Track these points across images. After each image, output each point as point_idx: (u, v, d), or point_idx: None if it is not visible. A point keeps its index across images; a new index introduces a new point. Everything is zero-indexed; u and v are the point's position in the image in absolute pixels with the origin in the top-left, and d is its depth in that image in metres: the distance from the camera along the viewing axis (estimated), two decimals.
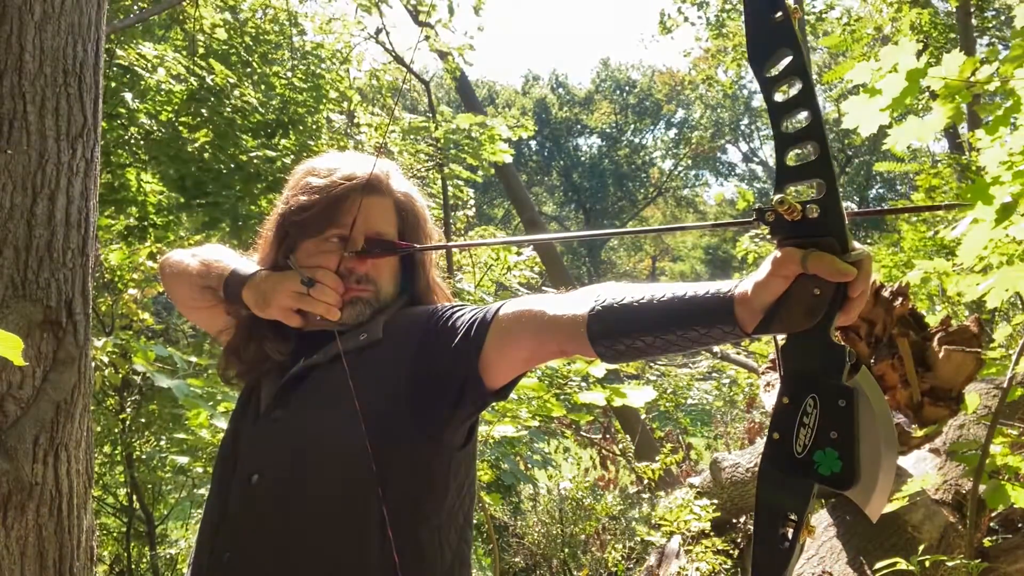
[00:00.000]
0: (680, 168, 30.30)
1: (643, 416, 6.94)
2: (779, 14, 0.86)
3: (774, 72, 0.87)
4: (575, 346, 0.99)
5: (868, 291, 0.82)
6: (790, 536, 0.81)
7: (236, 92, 5.41)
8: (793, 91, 0.85)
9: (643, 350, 0.95)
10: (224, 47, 6.18)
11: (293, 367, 1.23)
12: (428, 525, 1.15)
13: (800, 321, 0.82)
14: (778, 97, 0.86)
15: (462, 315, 1.17)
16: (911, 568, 2.11)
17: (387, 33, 7.52)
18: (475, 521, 1.27)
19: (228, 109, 5.36)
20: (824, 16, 11.34)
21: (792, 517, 0.81)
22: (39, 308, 1.75)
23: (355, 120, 6.75)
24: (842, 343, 0.82)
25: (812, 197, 0.83)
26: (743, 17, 0.90)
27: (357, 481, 1.10)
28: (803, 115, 0.85)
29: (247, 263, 1.34)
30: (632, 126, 30.76)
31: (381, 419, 1.11)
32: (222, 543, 1.16)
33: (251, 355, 1.30)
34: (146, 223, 5.37)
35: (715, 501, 3.58)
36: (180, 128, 5.35)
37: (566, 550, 4.84)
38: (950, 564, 2.19)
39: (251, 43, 6.37)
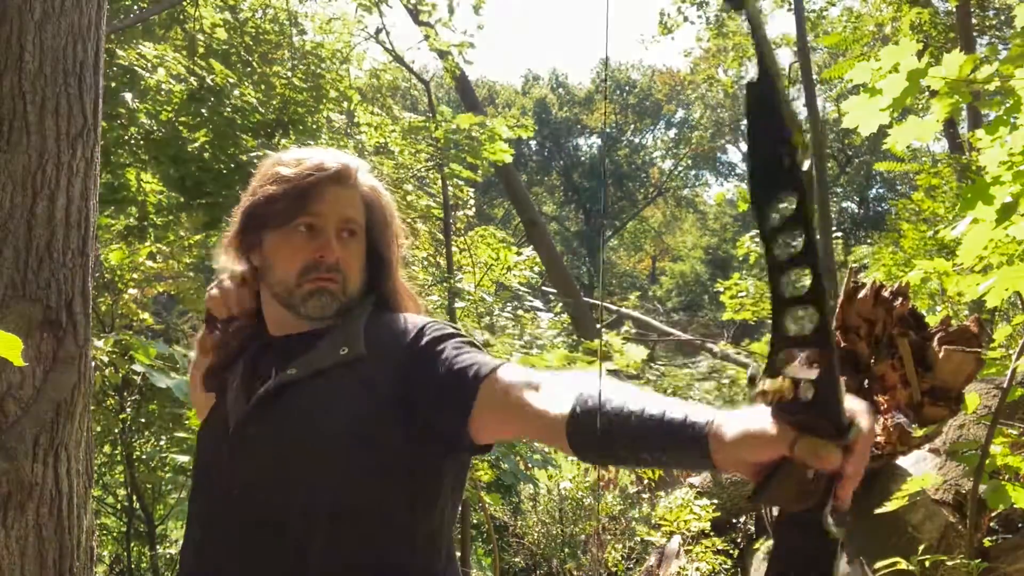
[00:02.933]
0: (680, 168, 30.30)
1: None
2: (787, 160, 0.74)
3: (775, 218, 0.76)
4: (556, 442, 0.99)
5: (863, 468, 0.77)
6: None
7: (236, 92, 5.41)
8: (795, 245, 0.76)
9: (620, 460, 0.96)
10: (224, 47, 6.18)
11: (262, 377, 1.19)
12: (425, 525, 1.14)
13: (791, 502, 0.78)
14: (778, 252, 0.76)
15: (451, 355, 1.10)
16: (911, 568, 2.11)
17: (387, 33, 7.53)
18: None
19: (228, 109, 5.36)
20: (824, 15, 11.34)
21: None
22: (39, 308, 1.75)
23: (355, 120, 6.74)
24: (835, 536, 0.77)
25: (807, 375, 0.79)
26: (747, 148, 0.78)
27: (349, 490, 1.09)
28: (804, 275, 0.76)
29: None
30: (632, 126, 30.75)
31: (367, 437, 1.10)
32: (207, 561, 1.14)
33: (223, 354, 1.30)
34: (146, 223, 5.36)
35: (715, 501, 3.58)
36: (180, 128, 5.35)
37: (566, 550, 4.84)
38: (950, 564, 2.19)
39: (251, 43, 6.36)
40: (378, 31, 7.50)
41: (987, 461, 2.15)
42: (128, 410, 4.06)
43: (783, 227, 0.75)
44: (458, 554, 1.28)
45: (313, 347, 1.18)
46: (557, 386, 1.00)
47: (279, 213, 1.20)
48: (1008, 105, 1.92)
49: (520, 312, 7.17)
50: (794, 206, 0.74)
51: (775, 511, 0.83)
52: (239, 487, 1.12)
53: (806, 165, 0.73)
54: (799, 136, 0.73)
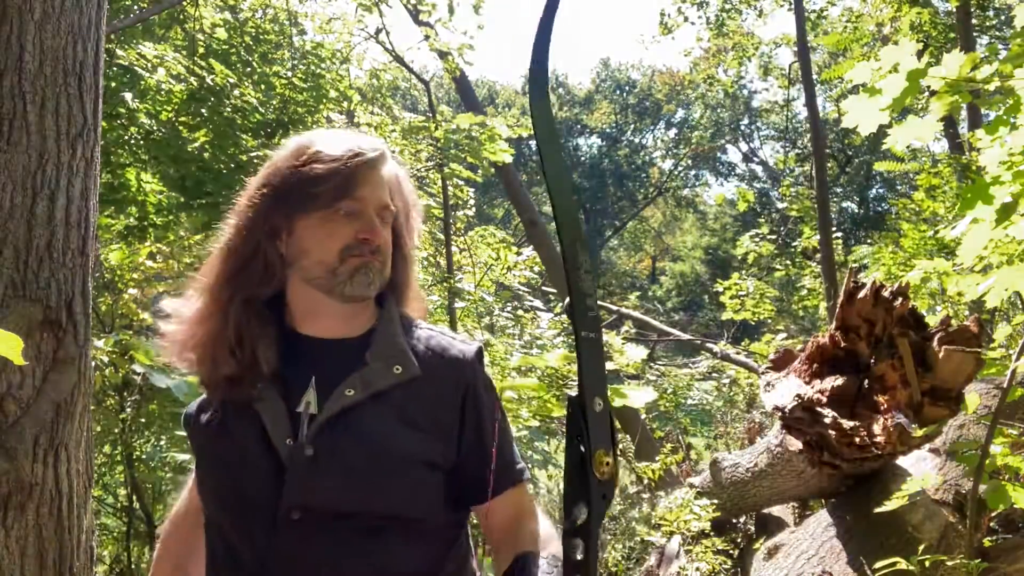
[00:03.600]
0: (680, 168, 30.29)
1: (643, 416, 6.94)
2: (598, 403, 0.84)
3: (570, 521, 0.85)
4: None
5: None
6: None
7: (236, 92, 5.41)
8: (577, 547, 0.84)
9: None
10: (224, 47, 6.18)
11: (296, 384, 1.14)
12: (465, 527, 1.26)
13: None
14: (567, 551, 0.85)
15: (496, 442, 1.19)
16: (911, 568, 2.11)
17: (387, 33, 7.53)
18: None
19: (228, 109, 5.36)
20: (824, 15, 11.33)
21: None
22: (39, 308, 1.75)
23: (355, 120, 6.74)
24: None
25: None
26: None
27: (417, 503, 1.14)
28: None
29: None
30: (632, 126, 30.75)
31: (429, 461, 1.15)
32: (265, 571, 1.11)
33: (246, 356, 1.16)
34: (146, 223, 5.36)
35: (715, 501, 3.57)
36: (180, 128, 5.35)
37: None
38: (950, 564, 2.19)
39: (251, 43, 6.36)
40: (378, 31, 7.51)
41: (987, 461, 2.15)
42: (128, 410, 4.05)
43: (575, 532, 0.84)
44: None
45: (360, 361, 1.15)
46: (537, 528, 1.21)
47: (320, 196, 1.14)
48: (1008, 105, 1.92)
49: (520, 312, 7.17)
50: (584, 516, 0.83)
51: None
52: (299, 506, 1.09)
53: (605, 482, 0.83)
54: (601, 456, 0.83)
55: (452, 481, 1.18)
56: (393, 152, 1.25)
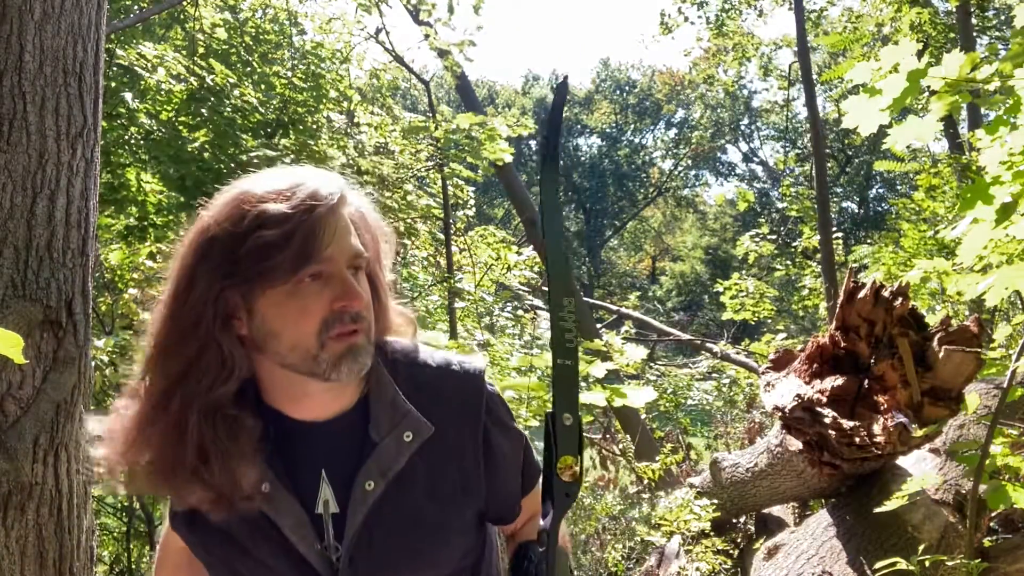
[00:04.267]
0: (680, 168, 30.30)
1: (643, 416, 6.94)
2: (568, 418, 1.01)
3: None
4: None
5: None
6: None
7: (236, 92, 5.41)
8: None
9: None
10: (224, 47, 6.19)
11: (302, 478, 1.01)
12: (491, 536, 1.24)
13: None
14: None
15: (516, 473, 1.21)
16: (911, 568, 2.11)
17: (387, 33, 7.53)
18: None
19: (228, 109, 5.36)
20: (824, 15, 11.34)
21: None
22: (39, 308, 1.75)
23: (355, 120, 6.75)
24: None
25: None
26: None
27: (457, 560, 1.12)
28: None
29: None
30: (632, 126, 30.76)
31: (460, 525, 1.10)
32: None
33: (218, 479, 0.95)
34: (146, 223, 5.36)
35: (715, 501, 3.57)
36: (180, 128, 5.35)
37: None
38: (950, 564, 2.19)
39: (251, 43, 6.37)
40: (378, 31, 7.50)
41: (987, 461, 2.15)
42: None
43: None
44: None
45: (365, 441, 1.03)
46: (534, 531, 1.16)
47: (276, 268, 0.92)
48: (1008, 105, 1.92)
49: (520, 312, 7.18)
50: (549, 512, 1.01)
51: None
52: None
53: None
54: (567, 460, 1.01)
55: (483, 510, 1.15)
56: (347, 179, 1.06)
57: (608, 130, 30.93)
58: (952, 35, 8.70)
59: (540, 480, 1.13)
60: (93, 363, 2.13)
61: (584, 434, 1.01)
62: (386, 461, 1.02)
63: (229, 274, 0.94)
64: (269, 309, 0.95)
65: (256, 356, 0.99)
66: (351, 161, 5.70)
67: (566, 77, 1.16)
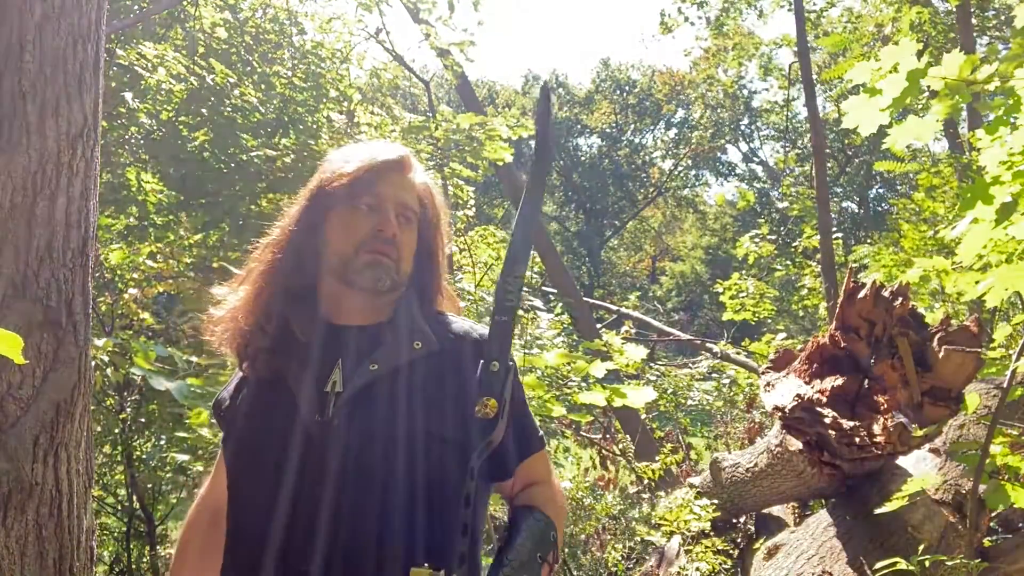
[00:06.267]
0: (680, 168, 30.27)
1: (643, 416, 6.94)
2: (495, 365, 1.12)
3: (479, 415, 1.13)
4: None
5: None
6: None
7: (236, 91, 5.41)
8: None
9: None
10: (224, 47, 6.18)
11: (325, 367, 1.23)
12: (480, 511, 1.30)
13: None
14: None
15: (518, 412, 1.27)
16: (911, 568, 2.11)
17: (387, 33, 7.53)
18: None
19: (228, 108, 5.36)
20: (824, 15, 11.33)
21: None
22: (39, 308, 1.75)
23: (355, 120, 6.75)
24: None
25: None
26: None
27: (433, 475, 1.19)
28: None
29: None
30: (632, 126, 30.74)
31: (450, 437, 1.20)
32: (295, 558, 1.15)
33: (275, 329, 1.29)
34: (146, 223, 5.37)
35: (715, 501, 3.57)
36: (180, 128, 5.35)
37: (566, 550, 4.84)
38: (950, 564, 2.19)
39: (251, 43, 6.37)
40: (378, 31, 7.51)
41: (987, 461, 2.15)
42: (128, 410, 4.05)
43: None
44: None
45: (382, 341, 1.26)
46: (528, 498, 1.30)
47: (343, 193, 1.28)
48: (1008, 105, 1.92)
49: (520, 312, 7.17)
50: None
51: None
52: (325, 474, 1.16)
53: None
54: (486, 400, 1.11)
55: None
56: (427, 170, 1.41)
57: (608, 130, 30.90)
58: (952, 35, 8.69)
59: (541, 452, 1.33)
60: (93, 363, 2.13)
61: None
62: (392, 352, 1.24)
63: (320, 197, 1.32)
64: (332, 224, 1.30)
65: (319, 271, 1.31)
66: None
67: (546, 83, 1.30)
